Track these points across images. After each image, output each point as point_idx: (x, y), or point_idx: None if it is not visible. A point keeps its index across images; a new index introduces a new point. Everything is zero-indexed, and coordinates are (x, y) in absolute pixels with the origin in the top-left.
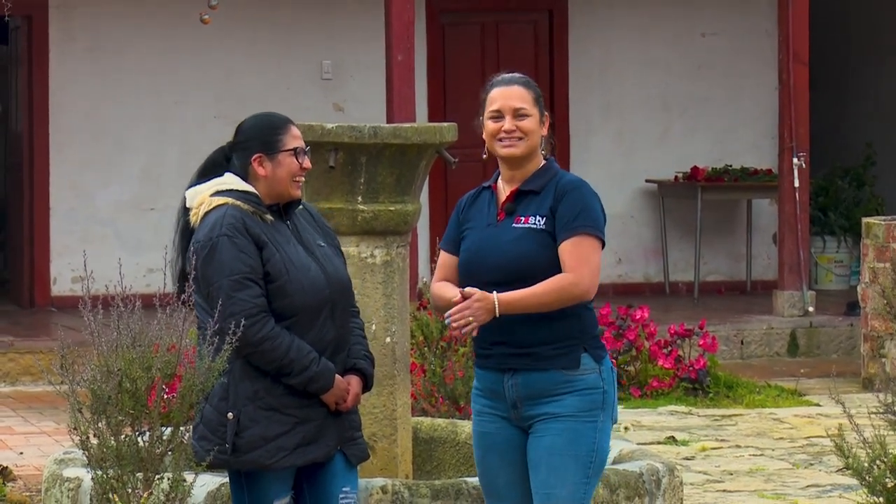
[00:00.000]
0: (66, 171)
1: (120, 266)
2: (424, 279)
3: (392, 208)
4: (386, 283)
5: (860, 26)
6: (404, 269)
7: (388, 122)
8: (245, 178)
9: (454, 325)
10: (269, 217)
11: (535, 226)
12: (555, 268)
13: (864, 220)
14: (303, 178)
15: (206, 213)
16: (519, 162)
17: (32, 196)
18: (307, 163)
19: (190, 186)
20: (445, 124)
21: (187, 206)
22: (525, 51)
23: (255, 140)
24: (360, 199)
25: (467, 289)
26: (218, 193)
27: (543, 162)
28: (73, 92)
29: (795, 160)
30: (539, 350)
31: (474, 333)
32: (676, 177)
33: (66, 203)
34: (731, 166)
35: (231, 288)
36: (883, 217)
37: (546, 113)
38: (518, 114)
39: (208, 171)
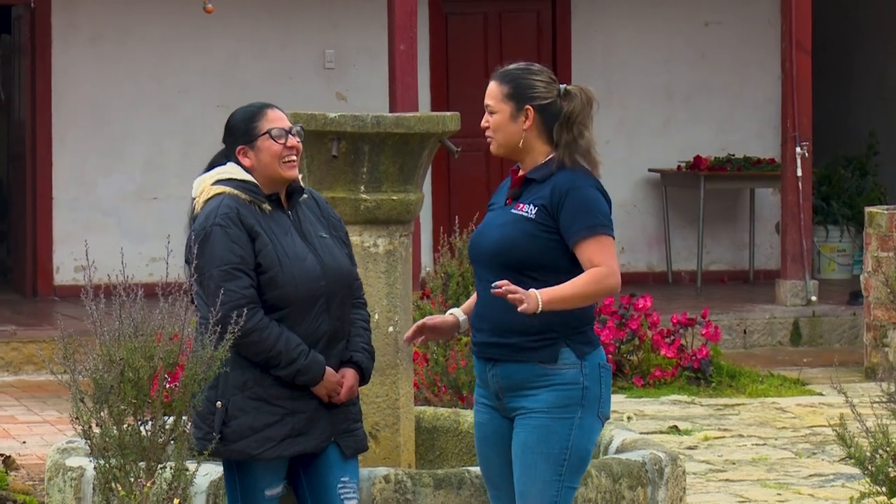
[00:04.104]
0: (68, 160)
1: (122, 255)
2: (427, 268)
3: (395, 198)
4: (389, 272)
5: (864, 15)
6: (407, 259)
7: (391, 111)
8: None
9: (504, 290)
10: (267, 206)
11: (525, 214)
12: (536, 257)
13: (867, 209)
14: (293, 158)
15: (206, 202)
16: (512, 156)
17: (35, 185)
18: (291, 141)
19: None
20: (448, 113)
21: (192, 194)
22: (528, 40)
23: (236, 134)
24: (362, 188)
25: (500, 282)
26: (218, 182)
27: (551, 154)
28: (75, 81)
29: (798, 149)
30: (517, 341)
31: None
32: (679, 166)
33: (68, 192)
34: (733, 155)
35: (221, 278)
36: (886, 206)
37: (528, 106)
38: (488, 110)
39: (212, 169)
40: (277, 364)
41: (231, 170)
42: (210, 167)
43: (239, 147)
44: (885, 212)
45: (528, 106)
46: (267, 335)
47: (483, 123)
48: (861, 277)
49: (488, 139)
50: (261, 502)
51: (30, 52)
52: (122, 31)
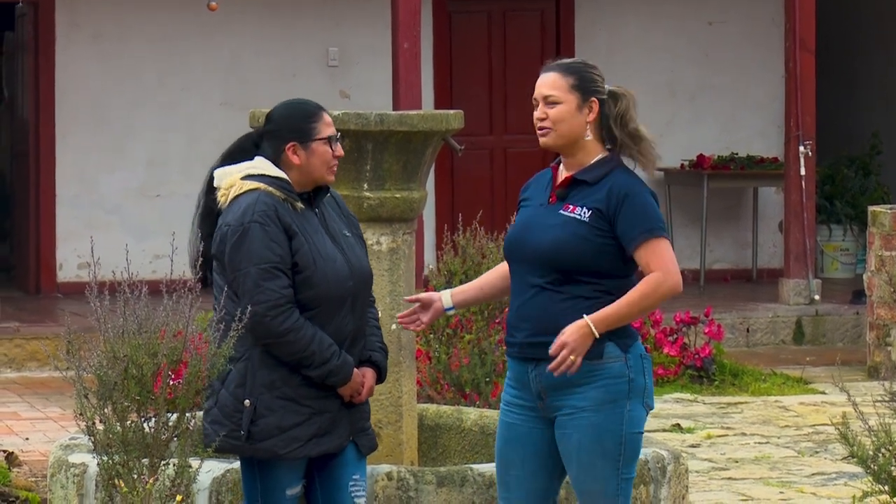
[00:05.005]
0: (71, 157)
1: (127, 252)
2: (430, 266)
3: (398, 195)
4: (392, 270)
5: (867, 14)
6: (410, 257)
7: (395, 109)
8: (277, 165)
9: (559, 370)
10: (299, 205)
11: (578, 216)
12: (589, 261)
13: (870, 208)
14: (336, 165)
15: (237, 197)
16: (565, 150)
17: (38, 183)
18: (340, 150)
19: (214, 168)
20: (451, 112)
21: (215, 185)
22: (531, 39)
23: (288, 129)
24: (366, 186)
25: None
26: (250, 177)
27: (603, 153)
28: (78, 79)
29: (802, 148)
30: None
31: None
32: (682, 164)
33: (71, 190)
34: (737, 154)
35: (259, 277)
36: (889, 205)
37: (593, 98)
38: (547, 101)
39: (234, 156)
40: (310, 364)
41: (262, 165)
42: (233, 151)
43: (290, 143)
44: (889, 211)
45: (593, 98)
46: (303, 335)
47: (538, 115)
48: (864, 276)
49: (544, 131)
50: (282, 502)
51: (33, 50)
52: (125, 28)
